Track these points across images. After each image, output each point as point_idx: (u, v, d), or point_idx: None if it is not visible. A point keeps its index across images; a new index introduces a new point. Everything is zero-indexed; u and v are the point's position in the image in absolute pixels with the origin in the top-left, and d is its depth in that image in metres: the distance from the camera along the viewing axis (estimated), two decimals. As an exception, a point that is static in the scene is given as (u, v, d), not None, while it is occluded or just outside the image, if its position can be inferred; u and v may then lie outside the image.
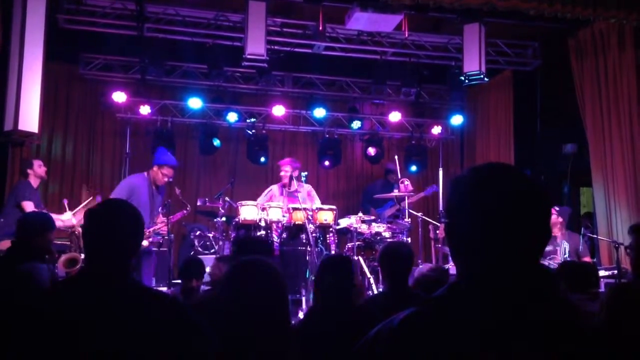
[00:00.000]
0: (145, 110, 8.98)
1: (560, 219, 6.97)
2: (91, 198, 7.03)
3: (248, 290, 1.99)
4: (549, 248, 6.77)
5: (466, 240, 1.31)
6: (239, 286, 2.01)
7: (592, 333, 1.27)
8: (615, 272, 6.30)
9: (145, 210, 6.08)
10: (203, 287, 6.04)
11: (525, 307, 1.22)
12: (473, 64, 7.27)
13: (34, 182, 6.36)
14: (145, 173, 6.45)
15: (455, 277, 1.34)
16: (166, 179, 6.40)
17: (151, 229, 6.08)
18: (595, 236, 7.36)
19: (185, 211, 6.55)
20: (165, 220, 6.24)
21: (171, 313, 1.85)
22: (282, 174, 7.37)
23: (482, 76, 7.38)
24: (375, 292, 6.20)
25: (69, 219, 6.26)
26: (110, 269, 1.87)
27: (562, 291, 4.33)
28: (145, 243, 5.95)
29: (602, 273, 5.94)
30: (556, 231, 7.09)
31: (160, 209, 6.46)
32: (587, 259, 6.69)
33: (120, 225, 1.93)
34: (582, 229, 7.05)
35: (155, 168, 6.39)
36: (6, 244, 4.97)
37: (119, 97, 8.75)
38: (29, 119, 5.61)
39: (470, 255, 1.31)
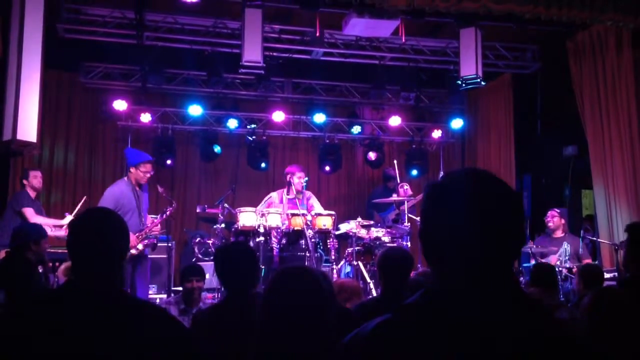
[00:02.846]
0: (146, 118, 9.03)
1: (563, 221, 7.02)
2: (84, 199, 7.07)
3: (290, 298, 1.97)
4: (552, 248, 6.78)
5: (439, 246, 1.31)
6: (282, 293, 1.98)
7: (572, 340, 1.27)
8: (616, 274, 6.28)
9: (135, 214, 5.98)
10: (204, 294, 6.08)
11: (497, 313, 1.22)
12: (470, 68, 7.27)
13: (31, 192, 6.42)
14: (125, 178, 6.29)
15: (430, 283, 1.35)
16: (148, 175, 6.19)
17: (142, 232, 6.01)
18: (595, 238, 7.35)
19: (171, 208, 6.39)
20: (155, 221, 6.17)
21: (159, 325, 1.83)
22: (296, 181, 7.20)
23: (479, 80, 7.38)
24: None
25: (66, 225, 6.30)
26: (95, 279, 1.86)
27: (579, 289, 4.48)
28: (140, 247, 5.91)
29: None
30: (559, 233, 7.11)
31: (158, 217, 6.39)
32: (587, 261, 6.68)
33: (103, 234, 1.91)
34: (582, 231, 7.04)
35: (132, 170, 6.16)
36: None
37: (120, 105, 8.81)
38: (28, 128, 5.63)
39: (443, 261, 1.31)
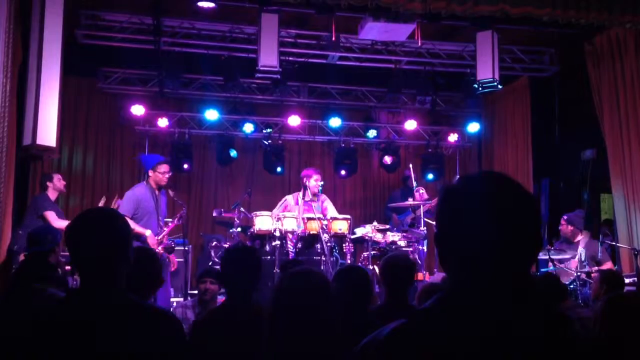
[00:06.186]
0: (163, 122, 9.11)
1: (570, 227, 6.87)
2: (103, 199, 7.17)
3: (298, 300, 2.00)
4: (567, 256, 6.70)
5: (454, 250, 1.30)
6: (289, 297, 2.01)
7: (586, 346, 1.25)
8: (636, 279, 6.19)
9: (153, 217, 6.11)
10: (220, 298, 6.10)
11: (512, 322, 1.21)
12: (486, 71, 7.22)
13: (52, 195, 6.48)
14: (144, 182, 6.40)
15: (446, 288, 1.33)
16: (167, 175, 6.30)
17: (160, 236, 6.09)
18: (613, 243, 7.24)
19: (182, 212, 6.44)
20: (170, 224, 6.28)
21: (164, 330, 1.81)
22: (312, 184, 7.21)
23: (495, 84, 7.32)
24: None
25: None
26: (97, 283, 1.82)
27: (599, 294, 4.42)
28: (159, 249, 5.99)
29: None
30: (572, 237, 7.00)
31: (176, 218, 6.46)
32: (607, 265, 6.58)
33: (99, 236, 1.85)
34: (600, 236, 6.94)
35: (151, 173, 6.26)
36: (27, 255, 5.06)
37: (138, 110, 8.90)
38: (47, 133, 5.72)
39: (459, 265, 1.30)
